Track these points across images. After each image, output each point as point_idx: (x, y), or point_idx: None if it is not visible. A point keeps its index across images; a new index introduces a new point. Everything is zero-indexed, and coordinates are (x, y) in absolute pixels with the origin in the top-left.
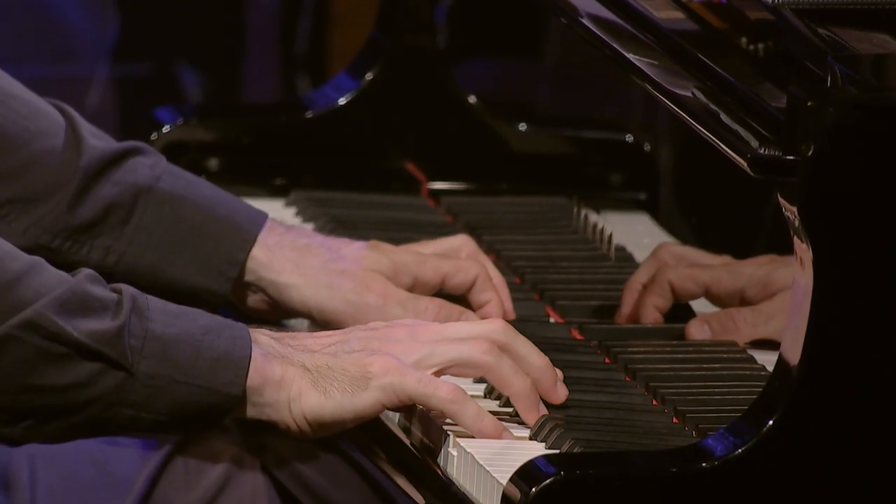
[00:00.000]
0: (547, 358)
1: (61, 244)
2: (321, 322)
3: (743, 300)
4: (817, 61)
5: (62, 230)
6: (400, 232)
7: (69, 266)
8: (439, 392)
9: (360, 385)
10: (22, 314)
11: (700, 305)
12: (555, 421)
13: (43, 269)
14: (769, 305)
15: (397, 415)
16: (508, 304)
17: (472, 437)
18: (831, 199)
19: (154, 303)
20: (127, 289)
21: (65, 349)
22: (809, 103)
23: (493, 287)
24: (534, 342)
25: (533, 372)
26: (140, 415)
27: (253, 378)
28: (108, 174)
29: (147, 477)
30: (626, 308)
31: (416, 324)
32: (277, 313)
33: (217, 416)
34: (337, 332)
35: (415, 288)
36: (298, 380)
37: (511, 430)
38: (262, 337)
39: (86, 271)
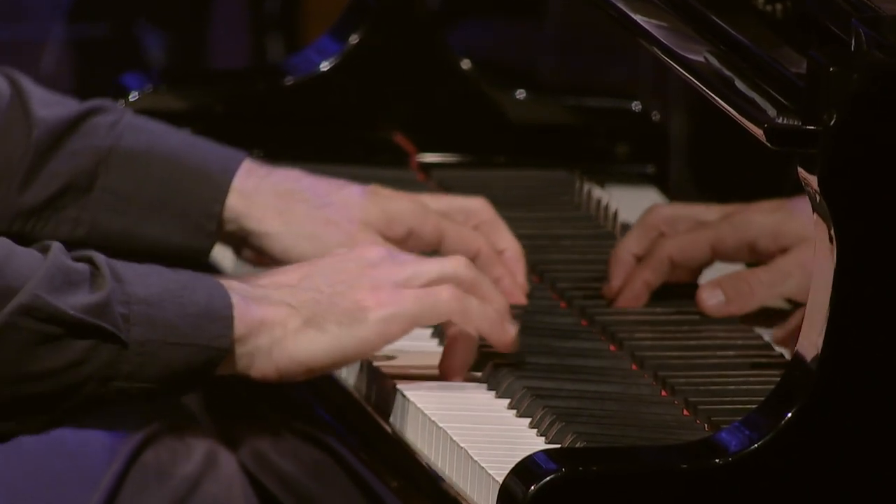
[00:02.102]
0: (505, 299)
1: (22, 226)
2: None
3: (753, 252)
4: (840, 23)
5: (19, 214)
6: None
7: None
8: (441, 296)
9: (356, 318)
10: (15, 299)
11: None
12: (556, 413)
13: (15, 250)
14: (785, 262)
15: (385, 406)
16: (521, 279)
17: (466, 430)
18: (855, 171)
19: (121, 264)
20: (96, 254)
21: (60, 329)
22: (831, 69)
23: (501, 263)
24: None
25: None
26: (132, 385)
27: (238, 328)
28: (63, 145)
29: (115, 472)
30: (616, 281)
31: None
32: (270, 265)
33: (205, 375)
34: (301, 265)
35: (409, 241)
36: (284, 318)
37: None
38: (233, 282)
39: (55, 245)
